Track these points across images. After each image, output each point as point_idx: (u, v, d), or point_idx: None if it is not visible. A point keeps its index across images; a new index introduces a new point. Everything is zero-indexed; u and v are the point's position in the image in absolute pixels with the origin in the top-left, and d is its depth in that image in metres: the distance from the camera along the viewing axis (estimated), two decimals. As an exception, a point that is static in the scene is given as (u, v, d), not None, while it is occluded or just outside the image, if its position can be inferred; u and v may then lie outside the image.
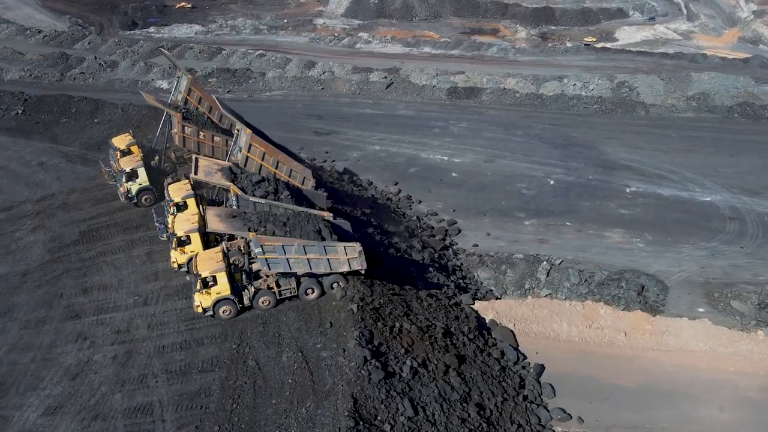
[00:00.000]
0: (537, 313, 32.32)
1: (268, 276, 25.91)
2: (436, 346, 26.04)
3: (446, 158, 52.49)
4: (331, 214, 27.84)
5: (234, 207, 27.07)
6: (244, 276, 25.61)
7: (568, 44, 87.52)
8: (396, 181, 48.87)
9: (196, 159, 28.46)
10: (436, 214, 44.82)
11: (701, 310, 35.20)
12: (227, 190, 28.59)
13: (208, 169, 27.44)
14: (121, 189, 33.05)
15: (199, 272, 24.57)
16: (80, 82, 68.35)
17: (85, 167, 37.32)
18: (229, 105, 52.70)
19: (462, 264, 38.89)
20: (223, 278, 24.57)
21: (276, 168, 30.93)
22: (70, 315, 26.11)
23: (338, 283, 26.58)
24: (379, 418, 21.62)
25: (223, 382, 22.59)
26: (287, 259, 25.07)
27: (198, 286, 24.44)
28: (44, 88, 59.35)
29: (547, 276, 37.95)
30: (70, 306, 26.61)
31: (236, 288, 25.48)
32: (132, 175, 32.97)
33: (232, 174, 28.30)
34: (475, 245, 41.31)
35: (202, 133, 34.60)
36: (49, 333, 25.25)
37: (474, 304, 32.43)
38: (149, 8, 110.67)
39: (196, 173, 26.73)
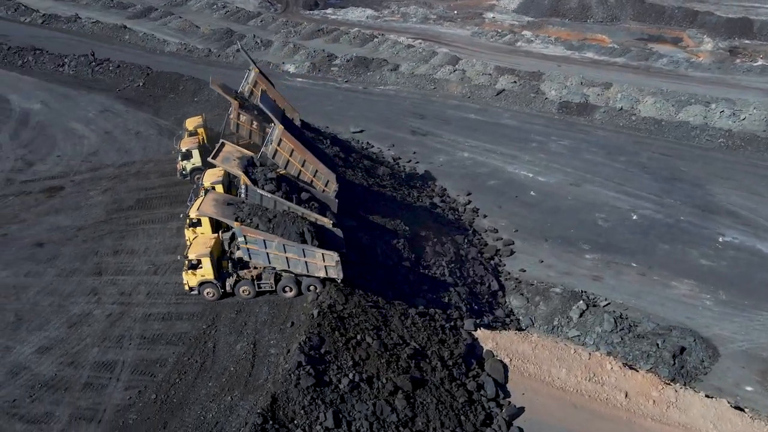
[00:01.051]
0: (537, 353, 30.82)
1: (254, 268, 27.84)
2: (394, 365, 26.18)
3: (531, 175, 50.74)
4: (331, 222, 28.78)
5: (242, 196, 29.11)
6: (230, 264, 27.75)
7: (760, 61, 77.83)
8: (469, 192, 48.22)
9: (222, 144, 30.47)
10: (496, 232, 43.77)
11: (749, 389, 31.36)
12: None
13: (229, 156, 29.34)
14: (178, 166, 36.95)
15: (188, 255, 27.17)
16: (223, 59, 75.04)
17: (170, 141, 42.14)
18: (341, 95, 55.63)
19: (497, 288, 37.70)
20: (207, 263, 26.92)
21: (302, 166, 32.55)
22: (94, 271, 30.25)
23: (314, 286, 27.71)
24: (295, 422, 22.58)
25: (180, 356, 24.98)
26: (267, 253, 26.75)
27: (185, 267, 27.07)
28: (191, 62, 67.10)
29: (580, 316, 35.81)
30: (98, 263, 30.79)
31: (222, 274, 27.73)
32: (187, 155, 36.74)
33: (250, 165, 30.18)
34: (522, 270, 39.97)
35: (255, 123, 37.26)
36: (73, 284, 29.52)
37: (476, 330, 31.66)
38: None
39: (215, 158, 28.85)
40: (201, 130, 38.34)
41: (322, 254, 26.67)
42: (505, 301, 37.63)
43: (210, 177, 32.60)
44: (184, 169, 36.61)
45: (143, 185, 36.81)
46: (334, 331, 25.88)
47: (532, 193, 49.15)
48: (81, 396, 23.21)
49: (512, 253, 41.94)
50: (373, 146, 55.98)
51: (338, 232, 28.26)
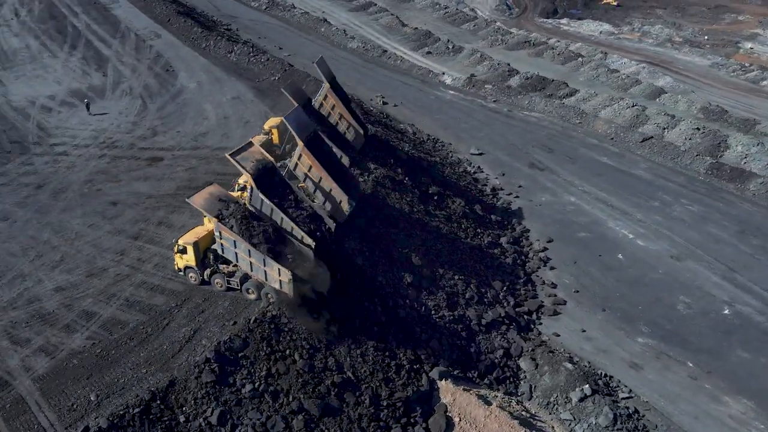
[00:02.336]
0: (487, 423, 29.24)
1: (231, 264, 30.83)
2: (312, 388, 27.25)
3: (632, 236, 46.56)
4: (313, 243, 30.28)
5: (248, 197, 31.89)
6: (212, 255, 31.06)
7: None
8: (551, 239, 45.87)
9: (249, 143, 32.35)
10: (554, 287, 41.44)
11: None
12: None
13: (250, 156, 31.70)
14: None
15: (178, 239, 31.15)
16: (392, 61, 78.79)
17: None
18: (482, 114, 55.40)
19: (509, 345, 35.92)
20: (191, 250, 30.59)
21: (319, 182, 34.49)
22: (133, 236, 35.98)
23: (270, 294, 29.73)
24: (183, 408, 25.17)
25: (138, 324, 29.07)
26: (236, 253, 29.51)
27: (175, 250, 31.10)
28: (362, 60, 72.84)
29: (580, 401, 32.86)
30: (141, 230, 36.50)
31: (204, 263, 31.22)
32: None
33: (265, 170, 32.16)
34: (556, 335, 37.58)
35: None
36: (113, 242, 35.54)
37: (440, 380, 31.02)
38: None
39: (235, 155, 31.46)
40: (274, 131, 42.16)
41: (278, 269, 28.47)
42: (515, 362, 35.47)
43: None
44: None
45: (219, 170, 41.88)
46: (263, 340, 27.65)
47: (620, 256, 44.82)
48: (56, 334, 28.45)
49: (556, 313, 39.22)
50: (482, 171, 55.19)
51: (308, 253, 29.68)
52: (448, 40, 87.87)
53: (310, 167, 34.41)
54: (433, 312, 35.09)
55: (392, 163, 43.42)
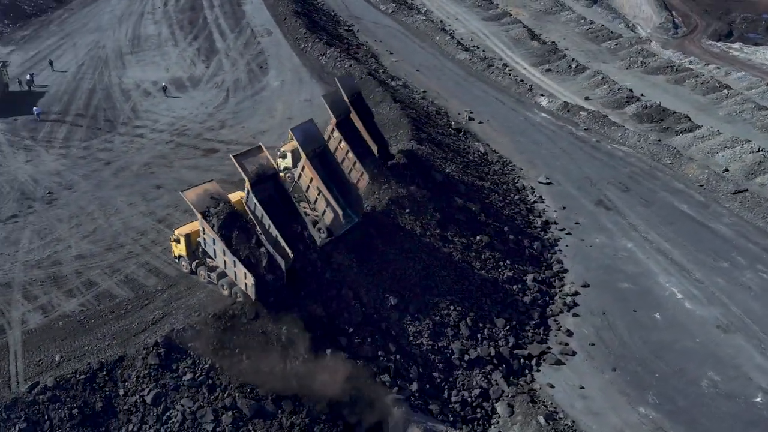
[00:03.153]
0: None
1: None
2: (250, 389, 28.70)
3: (680, 296, 43.29)
4: (291, 254, 31.62)
5: (245, 198, 33.80)
6: (201, 248, 33.48)
7: None
8: (587, 284, 43.71)
9: (258, 147, 33.74)
10: (570, 335, 39.70)
11: None
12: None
13: (255, 160, 33.40)
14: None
15: (176, 230, 34.02)
16: (491, 75, 77.60)
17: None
18: (566, 142, 54.45)
19: (497, 392, 34.73)
20: (183, 241, 33.29)
21: (318, 195, 35.68)
22: (159, 219, 39.68)
23: (238, 294, 31.49)
24: (125, 384, 27.74)
25: (123, 299, 32.26)
26: (214, 249, 31.67)
27: (172, 238, 34.01)
28: (465, 73, 73.19)
29: None
30: (168, 215, 40.05)
31: (194, 254, 33.77)
32: (283, 155, 43.14)
33: (263, 175, 33.71)
34: (550, 385, 36.09)
35: (343, 143, 40.86)
36: (141, 221, 39.46)
37: (395, 408, 31.09)
38: (760, 22, 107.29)
39: (240, 157, 33.38)
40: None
41: (244, 272, 30.15)
42: (491, 404, 34.38)
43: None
44: (278, 167, 42.99)
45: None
46: (216, 337, 29.45)
47: (657, 315, 41.55)
48: (58, 296, 32.51)
49: (559, 363, 37.32)
50: (543, 202, 53.22)
51: (282, 262, 30.99)
52: (573, 59, 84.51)
53: (311, 179, 35.60)
54: (411, 338, 34.73)
55: (420, 183, 43.10)
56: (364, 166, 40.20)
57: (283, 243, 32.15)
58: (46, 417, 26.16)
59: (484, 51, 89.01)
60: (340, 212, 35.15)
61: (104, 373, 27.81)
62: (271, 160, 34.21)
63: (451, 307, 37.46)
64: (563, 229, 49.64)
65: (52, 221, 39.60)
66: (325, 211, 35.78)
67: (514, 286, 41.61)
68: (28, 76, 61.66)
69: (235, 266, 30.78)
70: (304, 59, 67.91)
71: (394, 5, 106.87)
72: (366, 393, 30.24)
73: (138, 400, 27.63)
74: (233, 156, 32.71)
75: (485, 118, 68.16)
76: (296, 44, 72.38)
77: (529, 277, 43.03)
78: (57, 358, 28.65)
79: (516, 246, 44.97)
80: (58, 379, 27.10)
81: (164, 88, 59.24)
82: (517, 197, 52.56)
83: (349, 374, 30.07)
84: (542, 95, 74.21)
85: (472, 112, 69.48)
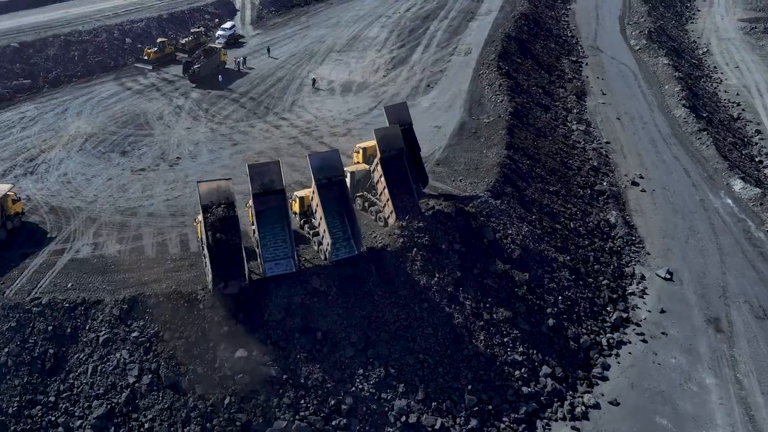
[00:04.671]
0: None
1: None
2: (176, 364, 33.78)
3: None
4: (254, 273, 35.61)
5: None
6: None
7: None
8: (617, 401, 39.93)
9: (276, 161, 38.98)
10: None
11: None
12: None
13: (268, 173, 37.52)
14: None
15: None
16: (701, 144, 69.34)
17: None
18: (733, 240, 52.94)
19: None
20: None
21: (321, 220, 38.43)
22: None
23: (208, 285, 36.37)
24: (93, 321, 34.95)
25: (148, 257, 39.74)
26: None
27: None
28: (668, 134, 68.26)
29: None
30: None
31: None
32: (357, 151, 46.84)
33: (272, 190, 37.31)
34: None
35: (382, 179, 42.07)
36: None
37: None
38: None
39: (255, 168, 37.51)
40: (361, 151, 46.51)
41: (209, 269, 35.07)
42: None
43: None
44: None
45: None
46: (171, 311, 34.89)
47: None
48: (113, 239, 41.49)
49: None
50: (642, 297, 47.61)
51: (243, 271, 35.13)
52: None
53: (317, 206, 38.39)
54: (354, 378, 35.52)
55: (458, 235, 42.13)
56: (395, 206, 41.25)
57: (259, 253, 36.10)
58: (30, 324, 34.52)
59: (743, 110, 78.54)
60: (330, 241, 37.25)
61: (83, 308, 35.22)
62: (282, 177, 37.88)
63: (419, 366, 36.76)
64: (641, 335, 43.62)
65: (158, 181, 49.17)
66: (323, 234, 38.28)
67: (516, 372, 38.66)
68: (241, 58, 74.33)
69: (206, 265, 35.58)
70: (473, 85, 68.41)
71: (646, 42, 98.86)
72: (261, 408, 32.64)
73: (94, 338, 34.45)
74: (248, 164, 37.11)
75: (652, 188, 61.06)
76: (478, 69, 72.92)
77: (546, 370, 39.30)
78: (69, 285, 37.02)
79: (550, 333, 41.12)
80: (50, 301, 35.30)
81: (313, 82, 66.40)
82: (609, 282, 47.13)
83: (251, 381, 32.81)
84: (741, 178, 62.95)
85: (641, 177, 62.74)
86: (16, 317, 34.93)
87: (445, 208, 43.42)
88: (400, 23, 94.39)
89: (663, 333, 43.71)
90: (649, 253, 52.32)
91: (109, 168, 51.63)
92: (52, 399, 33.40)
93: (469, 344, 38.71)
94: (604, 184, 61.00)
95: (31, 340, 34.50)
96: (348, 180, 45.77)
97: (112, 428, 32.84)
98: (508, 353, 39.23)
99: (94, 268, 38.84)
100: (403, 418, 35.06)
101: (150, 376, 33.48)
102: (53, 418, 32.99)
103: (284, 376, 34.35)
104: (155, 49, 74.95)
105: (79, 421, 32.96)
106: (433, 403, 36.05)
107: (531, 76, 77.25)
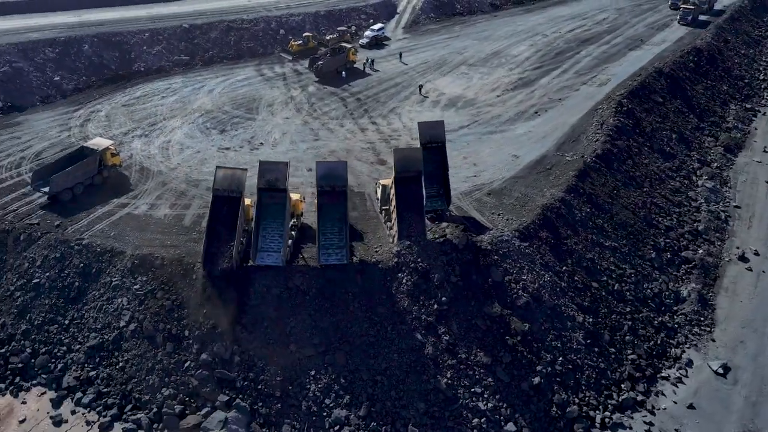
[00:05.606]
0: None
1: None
2: (166, 327, 39.13)
3: None
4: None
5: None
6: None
7: None
8: None
9: (285, 163, 41.94)
10: None
11: None
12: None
13: (278, 172, 41.14)
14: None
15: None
16: None
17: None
18: None
19: None
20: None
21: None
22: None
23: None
24: (110, 268, 41.56)
25: (184, 225, 45.67)
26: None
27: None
28: None
29: None
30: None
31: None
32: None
33: (276, 189, 40.53)
34: None
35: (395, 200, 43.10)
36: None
37: None
38: None
39: (265, 164, 41.23)
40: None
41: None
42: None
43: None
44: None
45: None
46: (169, 274, 40.13)
47: None
48: (170, 201, 48.28)
49: None
50: (677, 385, 43.32)
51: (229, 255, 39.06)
52: None
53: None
54: (297, 380, 37.66)
55: (459, 268, 41.55)
56: (399, 228, 42.08)
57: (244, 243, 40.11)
58: (69, 259, 42.12)
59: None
60: (317, 250, 39.73)
61: (109, 255, 41.97)
62: (287, 178, 40.96)
63: (371, 384, 37.65)
64: (649, 424, 40.01)
65: (234, 161, 55.09)
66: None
67: (475, 419, 37.77)
68: (368, 60, 78.38)
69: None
70: (582, 120, 64.51)
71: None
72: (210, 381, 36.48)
73: (108, 282, 40.97)
74: (260, 161, 40.90)
75: (763, 269, 53.52)
76: (600, 103, 68.34)
77: (511, 428, 37.80)
78: (111, 234, 44.18)
79: (531, 392, 39.13)
80: (89, 243, 42.63)
81: (419, 88, 68.11)
82: (638, 358, 43.05)
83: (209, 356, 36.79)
84: None
85: (756, 253, 55.35)
86: (62, 250, 42.69)
87: (455, 238, 42.86)
88: (552, 44, 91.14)
89: (677, 431, 38.88)
90: (714, 341, 46.14)
91: (203, 143, 58.91)
92: (66, 322, 40.46)
93: (432, 378, 38.35)
94: (699, 251, 54.31)
95: (66, 272, 41.98)
96: (378, 192, 47.38)
97: (98, 359, 38.91)
98: (473, 399, 38.15)
99: (138, 224, 45.55)
100: (337, 428, 36.24)
101: (135, 324, 38.95)
102: (62, 338, 40.05)
103: (237, 358, 37.52)
104: (299, 42, 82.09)
105: (78, 346, 39.59)
106: (373, 423, 36.65)
107: (668, 119, 70.27)
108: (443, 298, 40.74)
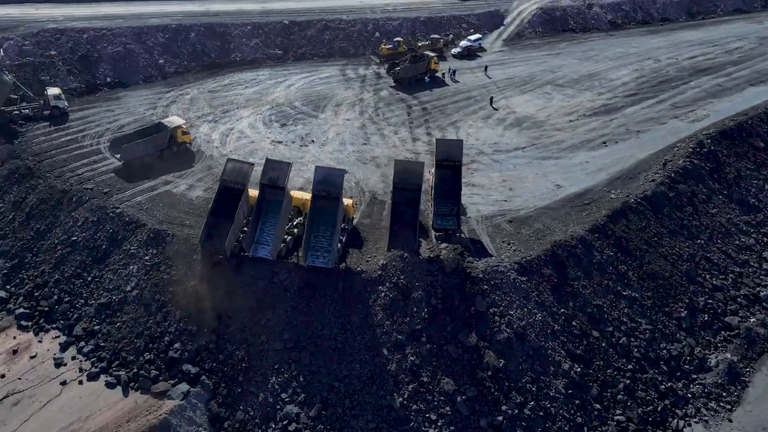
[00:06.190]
0: None
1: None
2: (153, 291, 43.24)
3: None
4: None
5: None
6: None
7: None
8: None
9: (288, 163, 44.39)
10: None
11: None
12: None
13: (281, 170, 43.70)
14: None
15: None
16: None
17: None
18: None
19: None
20: None
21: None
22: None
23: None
24: (132, 237, 46.31)
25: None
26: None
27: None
28: None
29: None
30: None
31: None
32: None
33: (276, 185, 43.15)
34: None
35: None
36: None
37: None
38: None
39: (271, 163, 43.83)
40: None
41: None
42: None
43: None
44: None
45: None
46: (176, 250, 44.00)
47: None
48: (208, 179, 52.46)
49: None
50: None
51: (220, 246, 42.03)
52: None
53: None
54: (259, 370, 39.77)
55: (439, 291, 41.22)
56: (390, 241, 42.71)
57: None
58: (103, 223, 47.55)
59: None
60: (303, 252, 41.46)
61: (134, 225, 46.73)
62: (287, 178, 43.28)
63: (327, 388, 38.86)
64: None
65: (280, 154, 58.23)
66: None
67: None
68: (450, 70, 78.24)
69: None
70: (652, 157, 59.87)
71: None
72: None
73: (128, 249, 45.71)
74: (267, 158, 43.48)
75: None
76: (682, 141, 62.87)
77: None
78: (145, 207, 49.01)
79: (489, 431, 38.29)
80: (121, 212, 47.71)
81: (491, 100, 67.18)
82: (627, 421, 40.37)
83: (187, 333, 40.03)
84: None
85: None
86: (99, 215, 48.23)
87: (446, 260, 42.42)
88: (660, 71, 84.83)
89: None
90: (731, 420, 41.88)
91: (261, 134, 62.73)
92: (89, 279, 45.76)
93: (389, 395, 38.65)
94: (751, 320, 48.94)
95: (98, 234, 47.39)
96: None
97: (103, 315, 43.67)
98: (425, 425, 38.05)
99: (170, 201, 50.05)
100: (286, 422, 37.90)
101: (137, 291, 43.20)
102: (82, 292, 45.40)
103: (212, 339, 40.37)
104: (390, 46, 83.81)
105: (92, 301, 44.67)
106: (320, 426, 37.81)
107: (765, 167, 63.25)
108: (418, 318, 40.63)
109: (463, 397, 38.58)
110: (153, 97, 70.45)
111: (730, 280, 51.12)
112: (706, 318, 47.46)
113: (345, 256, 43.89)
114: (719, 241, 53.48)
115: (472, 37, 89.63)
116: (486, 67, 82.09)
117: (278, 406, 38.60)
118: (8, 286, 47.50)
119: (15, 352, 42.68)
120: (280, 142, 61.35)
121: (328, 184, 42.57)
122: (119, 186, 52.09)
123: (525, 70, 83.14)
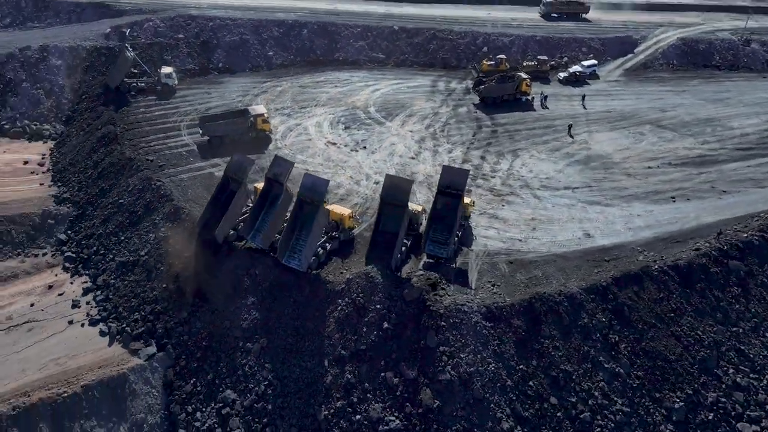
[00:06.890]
0: None
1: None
2: (155, 259, 48.50)
3: None
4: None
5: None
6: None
7: None
8: None
9: (292, 163, 46.17)
10: None
11: None
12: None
13: (284, 168, 46.05)
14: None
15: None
16: None
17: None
18: None
19: None
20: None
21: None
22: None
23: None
24: (157, 213, 52.00)
25: (233, 194, 54.03)
26: None
27: None
28: None
29: None
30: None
31: None
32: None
33: (279, 182, 45.58)
34: None
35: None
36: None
37: None
38: None
39: (279, 162, 46.14)
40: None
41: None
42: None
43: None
44: None
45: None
46: (178, 223, 48.83)
47: None
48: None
49: None
50: None
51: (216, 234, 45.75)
52: None
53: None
54: (233, 351, 43.14)
55: (393, 319, 41.16)
56: (367, 255, 43.51)
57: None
58: (144, 192, 53.95)
59: None
60: (280, 249, 43.76)
61: (164, 200, 52.48)
62: (288, 176, 45.83)
63: (266, 382, 41.17)
64: None
65: (329, 155, 60.85)
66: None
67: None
68: (542, 94, 74.89)
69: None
70: (721, 223, 52.85)
71: None
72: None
73: (153, 218, 51.59)
74: (275, 155, 46.54)
75: None
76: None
77: None
78: (182, 184, 54.63)
79: None
80: (158, 188, 53.74)
81: (569, 128, 65.72)
82: None
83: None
84: None
85: None
86: (144, 184, 54.87)
87: (412, 287, 42.14)
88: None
89: None
90: None
91: (321, 132, 65.81)
92: (122, 238, 52.50)
93: (316, 406, 40.02)
94: None
95: (138, 201, 53.95)
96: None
97: (120, 272, 49.92)
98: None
99: (205, 183, 55.30)
100: (221, 405, 41.09)
101: (147, 257, 48.75)
102: (114, 248, 52.19)
103: (185, 314, 44.49)
104: (492, 62, 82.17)
105: (117, 258, 51.15)
106: (249, 417, 40.43)
107: None
108: (366, 339, 41.01)
109: (386, 428, 38.36)
110: (249, 86, 76.76)
111: (765, 381, 43.98)
112: (710, 417, 41.57)
113: (326, 263, 45.30)
114: (765, 335, 46.04)
115: (586, 63, 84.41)
116: (584, 96, 77.06)
117: (221, 389, 41.52)
118: (69, 231, 55.83)
119: (50, 287, 50.35)
120: (333, 144, 63.86)
121: (313, 191, 44.22)
122: (175, 162, 58.34)
123: (630, 105, 76.70)
